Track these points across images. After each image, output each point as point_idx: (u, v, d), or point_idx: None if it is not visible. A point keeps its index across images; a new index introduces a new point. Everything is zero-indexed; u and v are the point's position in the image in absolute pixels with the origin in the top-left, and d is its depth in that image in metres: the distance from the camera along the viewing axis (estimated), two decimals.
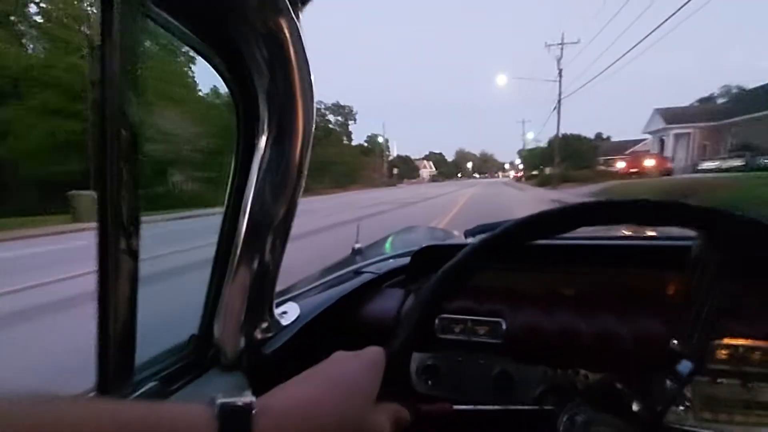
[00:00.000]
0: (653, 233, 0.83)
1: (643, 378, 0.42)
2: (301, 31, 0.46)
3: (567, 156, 27.70)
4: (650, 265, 0.63)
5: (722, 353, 0.50)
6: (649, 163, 20.45)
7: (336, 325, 0.67)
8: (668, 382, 0.40)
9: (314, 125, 0.51)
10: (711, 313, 0.40)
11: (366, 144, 67.18)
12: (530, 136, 53.49)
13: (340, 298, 0.69)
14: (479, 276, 0.57)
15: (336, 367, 0.35)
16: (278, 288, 0.65)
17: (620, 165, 22.18)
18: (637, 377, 0.42)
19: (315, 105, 0.50)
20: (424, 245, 0.77)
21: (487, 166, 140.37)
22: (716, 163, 21.70)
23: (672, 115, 29.67)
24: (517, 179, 47.43)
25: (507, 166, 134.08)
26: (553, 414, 0.44)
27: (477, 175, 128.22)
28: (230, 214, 0.53)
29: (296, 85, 0.47)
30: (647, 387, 0.41)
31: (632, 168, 20.56)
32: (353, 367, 0.34)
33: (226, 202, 0.54)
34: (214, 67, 0.48)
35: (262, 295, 0.55)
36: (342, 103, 55.52)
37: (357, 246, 1.19)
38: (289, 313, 0.63)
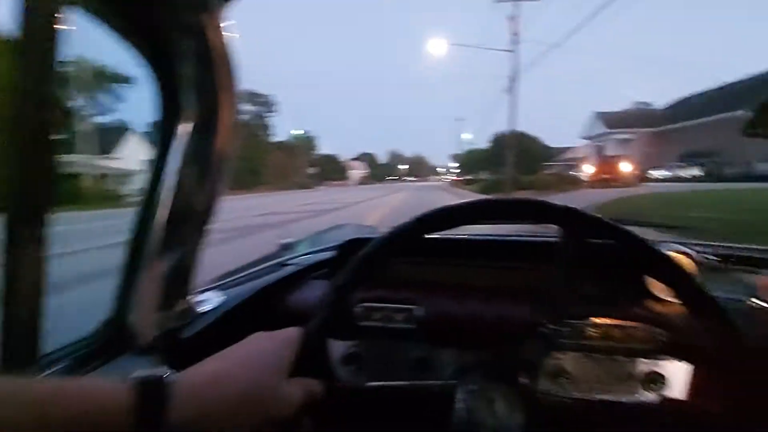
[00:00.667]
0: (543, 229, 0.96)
1: (526, 353, 0.49)
2: (228, 22, 0.46)
3: (516, 158, 24.03)
4: (535, 257, 0.75)
5: (593, 332, 0.61)
6: (626, 168, 17.20)
7: (258, 314, 0.68)
8: (542, 356, 0.49)
9: (238, 116, 0.51)
10: (570, 296, 0.49)
11: (293, 140, 61.82)
12: (467, 136, 50.92)
13: (263, 288, 0.72)
14: (399, 268, 0.77)
15: (250, 346, 0.37)
16: (202, 279, 0.67)
17: (588, 170, 18.76)
18: (521, 353, 0.49)
19: (239, 96, 0.51)
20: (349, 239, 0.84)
21: (420, 168, 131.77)
22: (668, 172, 19.52)
23: (614, 120, 28.13)
24: (454, 184, 42.37)
25: (440, 169, 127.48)
26: (454, 387, 0.49)
27: (411, 179, 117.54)
28: (147, 201, 0.52)
29: (221, 75, 0.47)
30: (528, 361, 0.49)
31: (604, 173, 17.26)
32: (267, 345, 0.37)
33: (143, 189, 0.53)
34: (136, 53, 0.47)
35: (180, 282, 0.56)
36: (259, 92, 47.54)
37: (285, 241, 1.20)
38: (209, 301, 0.63)
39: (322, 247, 0.98)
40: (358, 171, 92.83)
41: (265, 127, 48.17)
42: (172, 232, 0.51)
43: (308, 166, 60.06)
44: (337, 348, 0.71)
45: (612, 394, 0.64)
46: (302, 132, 65.58)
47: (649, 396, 0.63)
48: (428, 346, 0.69)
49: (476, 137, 48.88)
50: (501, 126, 19.36)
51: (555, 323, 0.48)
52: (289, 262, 0.87)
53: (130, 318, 0.52)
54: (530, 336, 0.48)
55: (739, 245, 0.93)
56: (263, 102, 47.86)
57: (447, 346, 0.69)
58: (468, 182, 35.27)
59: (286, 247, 1.17)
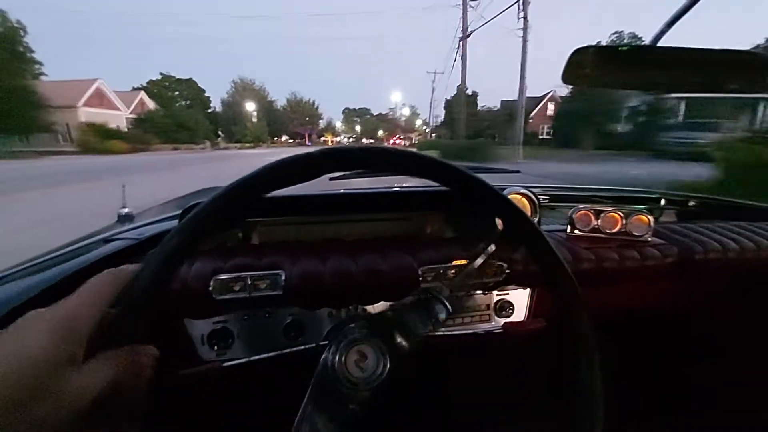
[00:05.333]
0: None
1: (398, 299, 0.47)
2: None
3: None
4: (395, 208, 0.75)
5: (451, 273, 0.63)
6: None
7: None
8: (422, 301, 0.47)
9: None
10: (442, 242, 0.51)
11: None
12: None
13: (69, 275, 0.57)
14: (259, 232, 0.73)
15: None
16: None
17: None
18: (394, 300, 0.47)
19: None
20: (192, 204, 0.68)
21: (300, 119, 62.69)
22: None
23: None
24: None
25: (339, 125, 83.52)
26: (324, 349, 0.47)
27: (287, 140, 62.69)
28: None
29: None
30: (405, 309, 0.47)
31: None
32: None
33: None
34: None
35: None
36: None
37: (125, 211, 0.98)
38: None
39: (164, 216, 0.84)
40: (111, 112, 31.25)
41: None
42: None
43: None
44: (198, 327, 0.65)
45: (471, 326, 0.72)
46: None
47: (500, 322, 0.73)
48: (299, 310, 0.67)
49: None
50: None
51: (430, 270, 0.48)
52: (118, 236, 0.72)
53: None
54: (402, 284, 0.47)
55: (566, 185, 1.12)
56: None
57: (318, 307, 0.67)
58: None
59: (127, 218, 0.99)
